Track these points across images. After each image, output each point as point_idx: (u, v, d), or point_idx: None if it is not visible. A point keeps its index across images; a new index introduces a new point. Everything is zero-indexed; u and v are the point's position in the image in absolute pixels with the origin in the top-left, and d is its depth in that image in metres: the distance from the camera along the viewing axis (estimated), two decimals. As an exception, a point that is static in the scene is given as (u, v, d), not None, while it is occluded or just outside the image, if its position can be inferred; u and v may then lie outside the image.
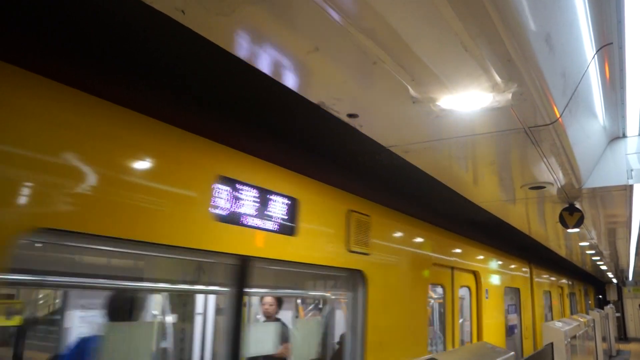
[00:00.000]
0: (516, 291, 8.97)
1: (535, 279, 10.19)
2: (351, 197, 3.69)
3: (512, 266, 8.65)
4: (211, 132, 2.50)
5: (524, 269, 9.45)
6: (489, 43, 1.94)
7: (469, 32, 1.84)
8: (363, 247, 3.69)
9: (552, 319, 10.70)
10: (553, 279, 12.34)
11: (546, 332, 6.67)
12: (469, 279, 6.44)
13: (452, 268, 5.80)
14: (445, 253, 5.57)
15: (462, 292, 6.43)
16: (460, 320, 6.32)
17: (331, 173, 3.54)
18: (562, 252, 10.77)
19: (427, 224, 5.11)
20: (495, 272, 7.46)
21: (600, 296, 26.04)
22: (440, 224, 5.49)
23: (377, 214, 4.01)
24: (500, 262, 7.75)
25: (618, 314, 22.96)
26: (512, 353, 4.34)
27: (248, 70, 2.11)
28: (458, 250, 6.01)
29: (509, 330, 8.26)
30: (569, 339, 6.88)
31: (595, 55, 2.97)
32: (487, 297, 6.82)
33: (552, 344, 6.37)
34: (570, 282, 15.19)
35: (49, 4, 1.80)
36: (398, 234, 4.42)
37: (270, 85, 2.27)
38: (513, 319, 8.77)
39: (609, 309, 16.75)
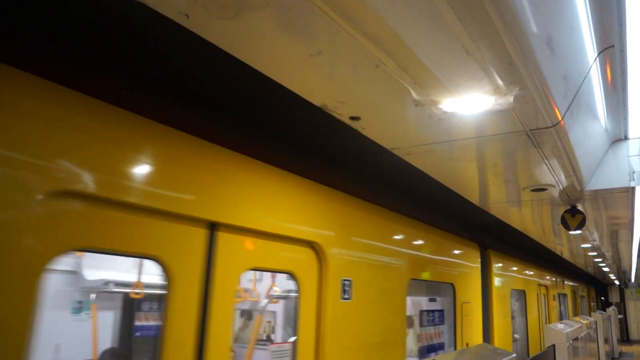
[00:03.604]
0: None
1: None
2: None
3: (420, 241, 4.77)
4: (214, 135, 2.51)
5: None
6: (490, 46, 1.95)
7: (470, 35, 1.86)
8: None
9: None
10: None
11: (548, 334, 6.64)
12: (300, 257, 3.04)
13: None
14: None
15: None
16: (293, 339, 2.93)
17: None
18: (567, 254, 10.74)
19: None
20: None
21: (603, 298, 25.99)
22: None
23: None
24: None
25: (620, 316, 22.90)
26: (514, 355, 4.33)
27: (250, 73, 2.12)
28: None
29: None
30: (571, 341, 6.86)
31: (597, 58, 2.98)
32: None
33: (554, 345, 6.36)
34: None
35: (55, 9, 1.82)
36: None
37: (273, 88, 2.28)
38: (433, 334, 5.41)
39: (611, 310, 16.70)
